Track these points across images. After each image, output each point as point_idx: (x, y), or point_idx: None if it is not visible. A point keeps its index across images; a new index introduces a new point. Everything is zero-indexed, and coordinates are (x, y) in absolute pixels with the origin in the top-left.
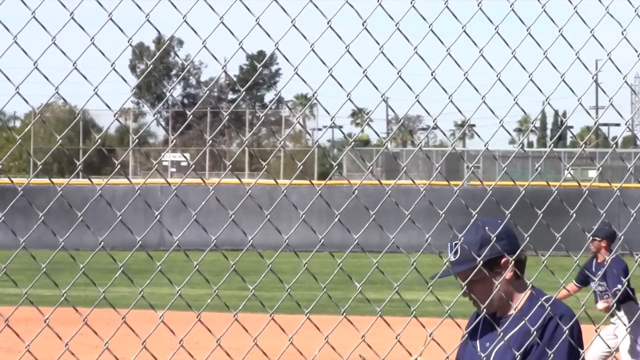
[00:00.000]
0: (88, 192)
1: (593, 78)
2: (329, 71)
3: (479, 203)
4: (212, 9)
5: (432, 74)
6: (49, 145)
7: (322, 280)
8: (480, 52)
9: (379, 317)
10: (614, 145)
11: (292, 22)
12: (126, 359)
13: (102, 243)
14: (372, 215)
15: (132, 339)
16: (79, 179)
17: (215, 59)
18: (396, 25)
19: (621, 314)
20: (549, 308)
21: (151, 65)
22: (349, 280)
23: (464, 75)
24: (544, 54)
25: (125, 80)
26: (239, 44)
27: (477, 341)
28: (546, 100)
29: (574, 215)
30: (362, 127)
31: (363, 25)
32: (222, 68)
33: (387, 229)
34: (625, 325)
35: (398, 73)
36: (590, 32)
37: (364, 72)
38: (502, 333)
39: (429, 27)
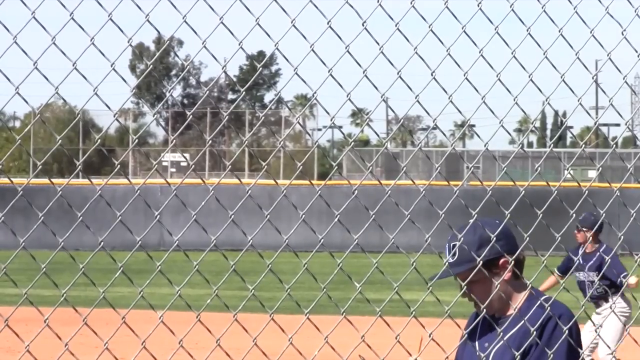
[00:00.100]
0: (88, 192)
1: (593, 78)
2: (328, 71)
3: (478, 203)
4: (212, 9)
5: (432, 74)
6: (49, 145)
7: (321, 281)
8: (480, 52)
9: (378, 317)
10: (614, 146)
11: (292, 22)
12: (126, 359)
13: (102, 243)
14: (372, 215)
15: (131, 339)
16: (79, 179)
17: (215, 59)
18: (396, 26)
19: (607, 305)
20: (549, 308)
21: (151, 66)
22: (348, 280)
23: (464, 75)
24: (544, 54)
25: (125, 81)
26: (239, 44)
27: (477, 342)
28: (546, 100)
29: (574, 215)
30: (362, 127)
31: (363, 25)
32: (222, 68)
33: (387, 229)
34: (610, 317)
35: (398, 73)
36: (590, 32)
37: (363, 72)
38: (501, 333)
39: (429, 27)
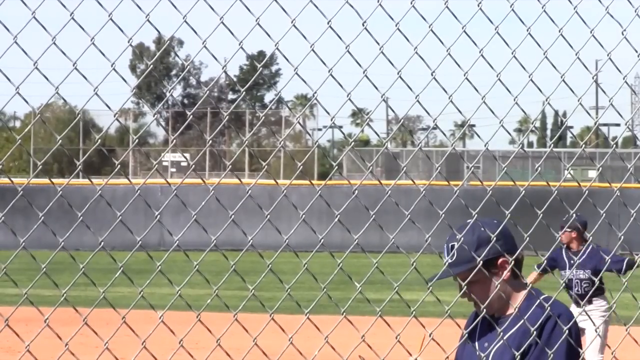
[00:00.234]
0: (88, 192)
1: (593, 78)
2: (329, 71)
3: (479, 203)
4: (212, 9)
5: (432, 74)
6: (49, 145)
7: (322, 281)
8: (480, 52)
9: (378, 317)
10: (614, 146)
11: (292, 22)
12: (126, 359)
13: (102, 243)
14: (372, 215)
15: (132, 339)
16: (79, 179)
17: (215, 59)
18: (396, 26)
19: (592, 307)
20: (549, 308)
21: (151, 66)
22: (349, 280)
23: (464, 75)
24: (544, 54)
25: (125, 81)
26: (239, 44)
27: (476, 342)
28: (546, 100)
29: (574, 215)
30: (362, 127)
31: (363, 25)
32: (222, 68)
33: (387, 229)
34: (593, 321)
35: (398, 73)
36: (590, 32)
37: (364, 72)
38: (501, 333)
39: (429, 27)
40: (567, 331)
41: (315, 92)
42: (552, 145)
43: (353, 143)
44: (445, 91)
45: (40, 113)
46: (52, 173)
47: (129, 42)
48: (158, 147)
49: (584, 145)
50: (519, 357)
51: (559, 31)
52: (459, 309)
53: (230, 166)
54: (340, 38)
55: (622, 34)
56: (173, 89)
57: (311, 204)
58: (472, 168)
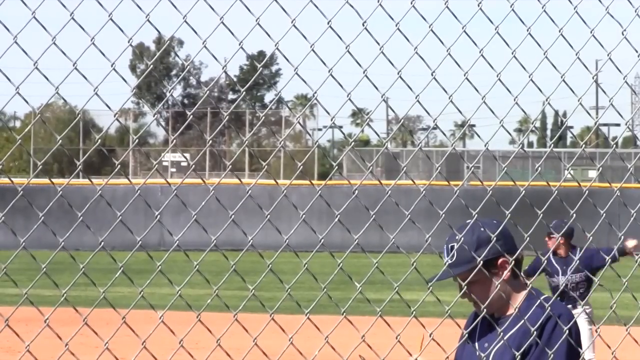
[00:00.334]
0: (88, 192)
1: (593, 78)
2: (329, 71)
3: (479, 203)
4: (212, 9)
5: (432, 74)
6: (49, 145)
7: (322, 281)
8: (480, 52)
9: (379, 317)
10: (614, 146)
11: (292, 22)
12: (126, 359)
13: (102, 243)
14: (372, 215)
15: (132, 339)
16: (79, 179)
17: (216, 59)
18: (396, 26)
19: (579, 310)
20: (549, 308)
21: (151, 66)
22: (349, 280)
23: (464, 75)
24: (544, 54)
25: (125, 81)
26: (239, 44)
27: (476, 342)
28: (546, 100)
29: (574, 215)
30: (362, 127)
31: (363, 25)
32: (222, 68)
33: (387, 229)
34: (582, 321)
35: (398, 73)
36: (591, 32)
37: (364, 73)
38: (501, 333)
39: (429, 27)
40: (567, 331)
41: (315, 92)
42: (552, 145)
43: (353, 143)
44: (446, 91)
45: (40, 113)
46: (52, 173)
47: (129, 42)
48: (158, 147)
49: (584, 145)
50: (519, 357)
51: (559, 31)
52: (459, 309)
53: (230, 166)
54: (341, 38)
55: (622, 34)
56: (173, 89)
57: (311, 204)
58: (472, 168)
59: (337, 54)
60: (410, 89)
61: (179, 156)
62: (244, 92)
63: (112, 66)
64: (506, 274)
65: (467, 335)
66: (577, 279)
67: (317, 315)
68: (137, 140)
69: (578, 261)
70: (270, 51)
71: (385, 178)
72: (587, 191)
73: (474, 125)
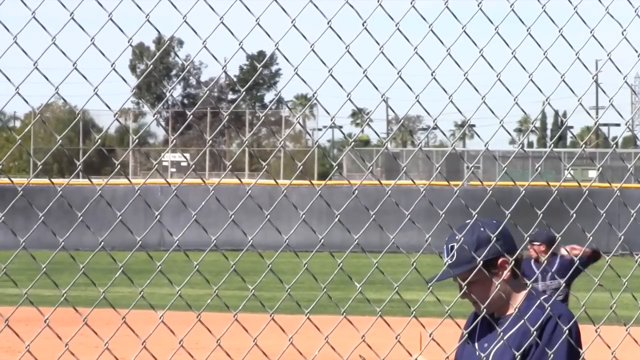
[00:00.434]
0: (88, 192)
1: (593, 78)
2: (329, 71)
3: (479, 203)
4: (212, 9)
5: (432, 74)
6: (49, 145)
7: (322, 281)
8: (480, 52)
9: (379, 317)
10: (614, 146)
11: (292, 22)
12: (126, 359)
13: (102, 243)
14: (372, 215)
15: (132, 339)
16: (79, 179)
17: (215, 59)
18: (396, 26)
19: None
20: (549, 308)
21: (151, 66)
22: (349, 280)
23: (464, 75)
24: (544, 54)
25: (125, 81)
26: (239, 44)
27: (476, 343)
28: (546, 100)
29: (574, 215)
30: (362, 127)
31: (363, 25)
32: (222, 68)
33: (387, 229)
34: None
35: (398, 73)
36: (591, 32)
37: (364, 73)
38: (501, 333)
39: (429, 27)
40: (567, 331)
41: (315, 92)
42: (552, 145)
43: (353, 143)
44: (445, 91)
45: (40, 113)
46: (52, 173)
47: (129, 42)
48: (158, 147)
49: (584, 145)
50: (519, 357)
51: (559, 31)
52: (459, 309)
53: (230, 166)
54: (340, 38)
55: (622, 34)
56: (173, 89)
57: (311, 204)
58: (472, 168)
59: (337, 54)
60: (410, 89)
61: (178, 156)
62: (244, 92)
63: (112, 66)
64: (506, 274)
65: (466, 335)
66: (555, 285)
67: (317, 315)
68: (137, 140)
69: (555, 267)
70: (270, 51)
71: (385, 178)
72: (587, 191)
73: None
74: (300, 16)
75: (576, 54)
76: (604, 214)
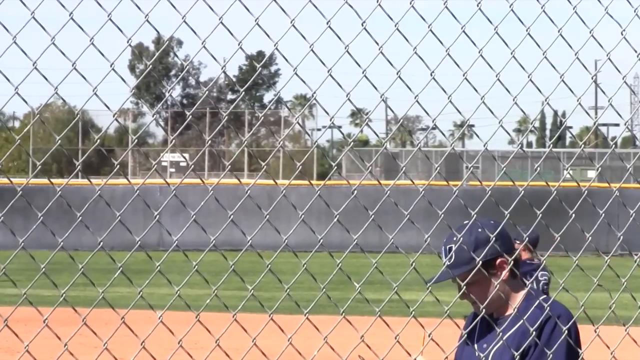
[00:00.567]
0: (87, 192)
1: (592, 78)
2: (328, 71)
3: (478, 203)
4: (212, 9)
5: (431, 74)
6: (48, 145)
7: (321, 281)
8: (479, 52)
9: (378, 318)
10: (613, 146)
11: (291, 22)
12: (125, 359)
13: (101, 243)
14: (371, 215)
15: (131, 339)
16: (78, 179)
17: (215, 59)
18: (395, 26)
19: None
20: (548, 308)
21: (150, 66)
22: (348, 280)
23: (463, 75)
24: (544, 54)
25: (124, 81)
26: (238, 44)
27: (475, 343)
28: (545, 100)
29: (573, 215)
30: (362, 128)
31: (362, 25)
32: (222, 68)
33: (386, 229)
34: None
35: (397, 73)
36: (590, 32)
37: (363, 73)
38: (500, 334)
39: (428, 27)
40: (566, 332)
41: (315, 92)
42: (551, 145)
43: (352, 143)
44: (445, 91)
45: (39, 113)
46: (51, 173)
47: (128, 42)
48: (157, 147)
49: (583, 146)
50: (518, 357)
51: (558, 31)
52: (458, 309)
53: (229, 166)
54: (340, 38)
55: (622, 34)
56: (172, 89)
57: (310, 204)
58: (471, 168)
59: (336, 54)
60: (410, 89)
61: (178, 156)
62: (243, 92)
63: (111, 66)
64: (505, 274)
65: (466, 335)
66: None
67: (316, 315)
68: (136, 141)
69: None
70: (270, 51)
71: (384, 178)
72: (586, 191)
73: (473, 126)
74: (300, 16)
75: (575, 54)
76: (603, 214)
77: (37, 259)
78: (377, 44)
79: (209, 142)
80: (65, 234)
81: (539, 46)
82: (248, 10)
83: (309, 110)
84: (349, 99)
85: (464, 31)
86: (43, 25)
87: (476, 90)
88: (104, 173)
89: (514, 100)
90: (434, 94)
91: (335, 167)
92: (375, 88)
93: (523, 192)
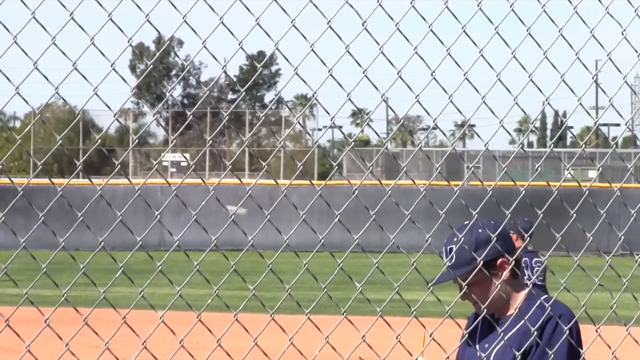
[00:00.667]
0: (88, 192)
1: (593, 78)
2: (329, 71)
3: (479, 203)
4: (212, 9)
5: (432, 74)
6: (49, 145)
7: (322, 281)
8: (480, 52)
9: (379, 317)
10: (614, 146)
11: (292, 22)
12: (127, 359)
13: (102, 243)
14: (372, 215)
15: (132, 339)
16: (79, 179)
17: (215, 59)
18: (396, 26)
19: None
20: (549, 308)
21: (151, 66)
22: (349, 280)
23: (464, 75)
24: (544, 54)
25: (125, 81)
26: (239, 44)
27: (477, 343)
28: (546, 100)
29: (574, 215)
30: (362, 127)
31: (363, 25)
32: (222, 68)
33: (387, 229)
34: None
35: (398, 73)
36: (590, 32)
37: (364, 73)
38: (501, 334)
39: (429, 27)
40: (567, 331)
41: (315, 92)
42: (552, 145)
43: (353, 143)
44: (445, 91)
45: (40, 113)
46: (52, 173)
47: (128, 42)
48: (158, 147)
49: (584, 145)
50: (519, 357)
51: (559, 31)
52: (460, 309)
53: (230, 166)
54: (340, 38)
55: (622, 34)
56: (173, 89)
57: (311, 204)
58: (472, 168)
59: (337, 54)
60: (410, 89)
61: (178, 156)
62: (244, 92)
63: (111, 66)
64: (506, 274)
65: (467, 335)
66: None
67: (317, 315)
68: (137, 140)
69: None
70: (270, 51)
71: (385, 178)
72: (587, 191)
73: (473, 125)
74: (300, 16)
75: (576, 54)
76: (604, 214)
77: (38, 258)
78: (378, 43)
79: (210, 142)
80: (67, 233)
81: (539, 46)
82: (249, 10)
83: (309, 110)
84: (349, 99)
85: (464, 31)
86: (44, 25)
87: (477, 90)
88: (104, 173)
89: (514, 100)
90: (434, 93)
91: (336, 167)
92: (376, 88)
93: (524, 192)
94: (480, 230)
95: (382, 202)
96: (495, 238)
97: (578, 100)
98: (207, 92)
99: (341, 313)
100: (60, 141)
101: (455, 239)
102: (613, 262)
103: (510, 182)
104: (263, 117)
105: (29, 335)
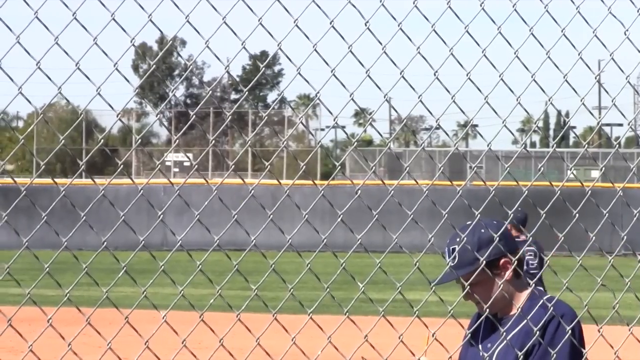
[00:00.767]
0: (91, 192)
1: (596, 78)
2: (331, 71)
3: (482, 203)
4: (215, 9)
5: (434, 74)
6: (52, 145)
7: (325, 280)
8: (482, 52)
9: (381, 317)
10: (617, 146)
11: (294, 22)
12: (129, 359)
13: (105, 243)
14: (375, 215)
15: (135, 339)
16: (82, 179)
17: (218, 59)
18: (399, 26)
19: None
20: (552, 308)
21: (154, 66)
22: (352, 280)
23: (467, 75)
24: (547, 54)
25: (128, 81)
26: (242, 44)
27: (480, 343)
28: (549, 100)
29: (577, 215)
30: (365, 127)
31: (366, 25)
32: (225, 68)
33: (390, 229)
34: None
35: (401, 73)
36: (593, 32)
37: (366, 73)
38: (504, 333)
39: (432, 27)
40: (570, 331)
41: (318, 92)
42: (554, 145)
43: (356, 143)
44: (448, 91)
45: (43, 113)
46: (55, 173)
47: (131, 42)
48: (161, 147)
49: (586, 145)
50: (522, 357)
51: (562, 31)
52: (462, 309)
53: (233, 166)
54: (343, 38)
55: (625, 34)
56: (176, 89)
57: (314, 204)
58: (475, 168)
59: (340, 54)
60: (413, 89)
61: (181, 156)
62: (247, 92)
63: (114, 66)
64: (508, 274)
65: (470, 335)
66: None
67: (319, 315)
68: (139, 140)
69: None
70: (273, 51)
71: (388, 178)
72: (589, 191)
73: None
74: (303, 16)
75: (579, 54)
76: (607, 214)
77: (41, 258)
78: (381, 43)
79: (213, 141)
80: (69, 233)
81: (542, 46)
82: (251, 10)
83: (312, 110)
84: (352, 99)
85: (467, 31)
86: (46, 25)
87: (480, 90)
88: (107, 173)
89: (517, 100)
90: (437, 93)
91: (339, 167)
92: (379, 88)
93: (527, 192)
94: (482, 230)
95: (385, 202)
96: (497, 238)
97: (581, 100)
98: (210, 92)
99: (344, 313)
100: (63, 141)
101: (457, 239)
102: (616, 262)
103: (513, 182)
104: (266, 117)
105: (31, 335)
